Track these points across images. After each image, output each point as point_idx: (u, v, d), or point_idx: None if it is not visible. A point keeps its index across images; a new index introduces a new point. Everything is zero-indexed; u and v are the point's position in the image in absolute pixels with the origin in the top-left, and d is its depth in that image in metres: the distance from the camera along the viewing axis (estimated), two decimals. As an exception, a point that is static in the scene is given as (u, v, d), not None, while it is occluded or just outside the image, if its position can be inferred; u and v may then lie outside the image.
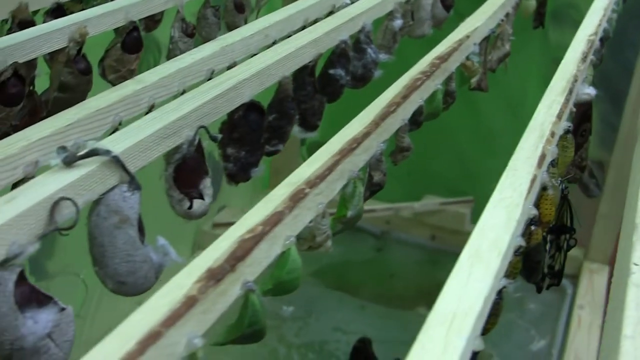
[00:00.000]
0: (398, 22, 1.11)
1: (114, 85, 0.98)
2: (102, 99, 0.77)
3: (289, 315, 1.83)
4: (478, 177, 2.00)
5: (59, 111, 0.92)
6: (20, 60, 0.89)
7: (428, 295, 1.94)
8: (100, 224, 0.65)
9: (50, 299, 0.59)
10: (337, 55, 0.97)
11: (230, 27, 1.23)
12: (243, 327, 0.57)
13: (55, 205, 0.60)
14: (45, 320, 0.58)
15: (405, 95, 0.81)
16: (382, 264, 2.06)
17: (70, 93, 0.94)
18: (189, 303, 0.48)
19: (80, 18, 0.96)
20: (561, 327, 1.78)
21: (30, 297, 0.58)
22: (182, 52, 1.12)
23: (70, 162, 0.63)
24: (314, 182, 0.63)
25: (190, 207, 0.74)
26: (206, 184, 0.76)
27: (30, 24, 1.03)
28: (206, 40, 1.17)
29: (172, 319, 0.47)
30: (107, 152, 0.64)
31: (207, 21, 1.17)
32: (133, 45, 1.02)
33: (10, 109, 0.88)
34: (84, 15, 0.97)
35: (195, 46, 1.05)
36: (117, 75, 1.02)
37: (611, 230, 1.85)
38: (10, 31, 1.02)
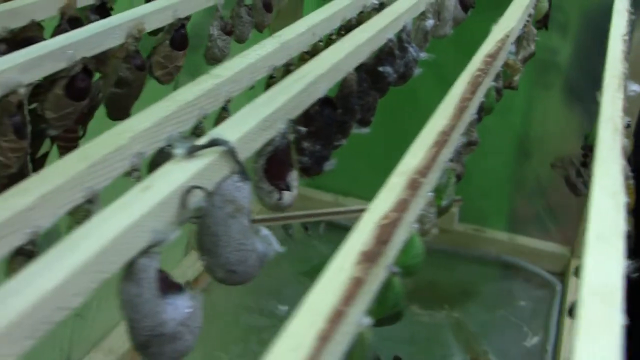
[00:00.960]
0: (430, 22, 1.14)
1: (160, 81, 0.99)
2: (188, 93, 0.78)
3: (284, 314, 1.84)
4: (467, 176, 2.04)
5: (115, 107, 0.92)
6: (80, 56, 0.89)
7: (420, 292, 1.97)
8: (215, 214, 0.66)
9: (181, 286, 0.60)
10: (385, 53, 0.99)
11: (258, 26, 1.24)
12: (387, 309, 0.58)
13: (187, 193, 0.61)
14: (183, 307, 0.59)
15: (472, 91, 0.83)
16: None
17: (126, 89, 0.95)
18: (357, 284, 0.50)
19: (134, 15, 0.97)
20: (553, 323, 1.83)
21: (166, 285, 0.59)
22: (220, 49, 1.13)
23: (192, 152, 0.64)
24: (423, 172, 0.66)
25: (280, 198, 0.76)
26: (293, 176, 0.77)
27: (79, 21, 1.03)
28: (239, 38, 1.18)
29: (348, 298, 0.48)
30: (225, 142, 0.65)
31: (240, 19, 1.18)
32: (181, 42, 1.03)
33: (78, 103, 0.88)
34: (136, 13, 0.98)
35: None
36: (164, 71, 1.03)
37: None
38: (59, 27, 1.01)
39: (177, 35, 1.03)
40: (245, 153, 0.70)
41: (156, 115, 0.73)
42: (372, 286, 0.53)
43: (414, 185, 0.64)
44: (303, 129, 0.78)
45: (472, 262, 2.05)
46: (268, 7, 1.21)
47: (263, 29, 1.23)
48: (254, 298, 1.91)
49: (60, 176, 0.62)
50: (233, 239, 0.67)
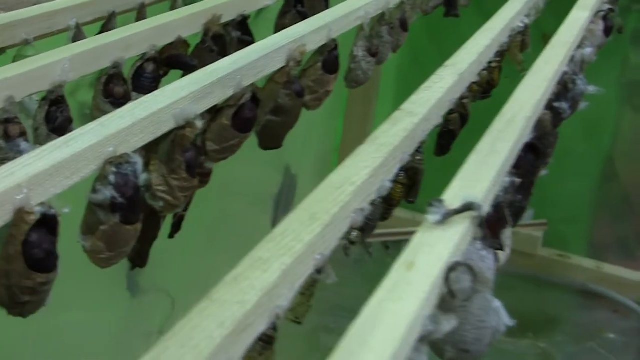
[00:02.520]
0: (588, 50, 1.03)
1: (307, 107, 0.89)
2: (391, 135, 0.67)
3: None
4: (553, 200, 1.93)
5: (269, 136, 0.82)
6: (248, 82, 0.79)
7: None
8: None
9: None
10: (561, 87, 0.88)
11: (394, 47, 1.13)
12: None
13: (452, 271, 0.50)
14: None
15: None
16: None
17: (283, 117, 0.84)
18: None
19: (293, 36, 0.86)
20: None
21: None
22: (364, 72, 1.02)
23: (447, 217, 0.53)
24: None
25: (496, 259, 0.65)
26: (507, 234, 0.66)
27: (222, 38, 0.92)
28: (379, 60, 1.07)
29: None
30: (479, 207, 0.54)
31: (381, 39, 1.07)
32: (333, 64, 0.92)
33: (243, 135, 0.77)
34: (294, 34, 0.87)
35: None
36: (313, 96, 0.92)
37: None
38: (203, 45, 0.90)
39: (330, 57, 0.92)
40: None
41: (368, 164, 0.61)
42: None
43: None
44: (518, 180, 0.66)
45: (556, 288, 1.93)
46: (404, 26, 1.10)
47: (397, 50, 1.12)
48: (333, 318, 1.80)
49: (294, 240, 0.51)
50: (473, 315, 0.56)
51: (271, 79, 0.84)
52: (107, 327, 1.43)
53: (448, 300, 0.53)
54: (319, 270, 0.54)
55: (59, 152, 0.58)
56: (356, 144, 1.75)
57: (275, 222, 1.87)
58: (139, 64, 0.84)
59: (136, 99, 0.80)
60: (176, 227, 0.90)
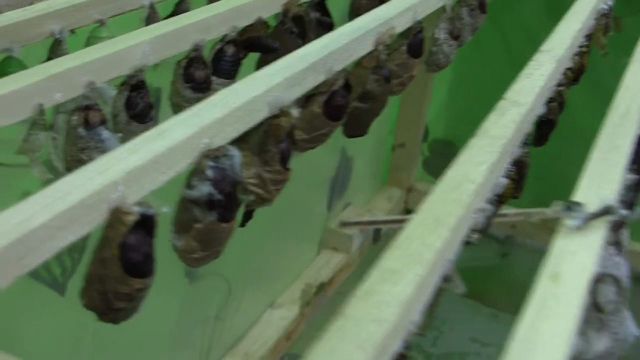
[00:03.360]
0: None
1: (392, 93, 0.82)
2: (501, 127, 0.60)
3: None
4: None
5: (355, 123, 0.76)
6: (338, 68, 0.72)
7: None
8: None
9: None
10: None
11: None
12: None
13: (600, 283, 0.44)
14: None
15: None
16: (508, 270, 1.90)
17: (371, 103, 0.77)
18: None
19: (381, 19, 0.79)
20: None
21: None
22: (445, 55, 0.95)
23: (587, 222, 0.46)
24: None
25: None
26: (625, 234, 0.59)
27: (302, 19, 0.85)
28: (459, 43, 1.00)
29: None
30: (617, 210, 0.47)
31: (461, 22, 1.00)
32: (418, 48, 0.85)
33: (334, 123, 0.70)
34: (380, 16, 0.80)
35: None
36: (398, 81, 0.85)
37: None
38: (283, 26, 0.84)
39: (415, 40, 0.85)
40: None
41: (484, 159, 0.55)
42: None
43: None
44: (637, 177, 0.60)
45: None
46: (483, 8, 1.03)
47: (475, 32, 1.04)
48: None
49: (422, 247, 0.45)
50: (610, 327, 0.50)
51: (359, 63, 0.78)
52: (165, 313, 1.38)
53: (594, 314, 0.47)
54: (446, 279, 0.47)
55: (153, 144, 0.52)
56: (411, 125, 1.67)
57: (330, 205, 1.81)
58: (218, 46, 0.78)
59: (216, 83, 0.74)
60: (247, 216, 0.84)
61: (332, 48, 0.71)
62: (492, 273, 1.92)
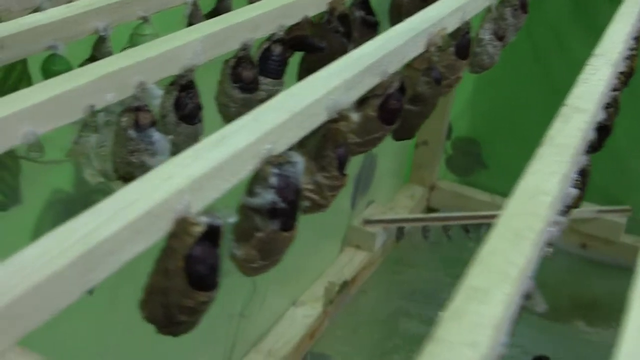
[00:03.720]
0: None
1: (440, 94, 0.79)
2: (568, 136, 0.57)
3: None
4: (635, 185, 1.82)
5: (404, 126, 0.73)
6: (392, 70, 0.69)
7: (584, 308, 1.76)
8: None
9: None
10: None
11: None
12: None
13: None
14: None
15: None
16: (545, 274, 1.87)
17: (421, 106, 0.75)
18: None
19: (432, 19, 0.76)
20: None
21: None
22: (490, 57, 0.92)
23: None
24: None
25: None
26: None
27: (347, 17, 0.83)
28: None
29: None
30: None
31: (505, 22, 0.97)
32: (465, 49, 0.82)
33: (388, 127, 0.68)
34: (431, 17, 0.77)
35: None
36: (445, 83, 0.82)
37: None
38: (329, 24, 0.81)
39: (463, 41, 0.82)
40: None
41: (555, 169, 0.52)
42: None
43: None
44: None
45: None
46: (525, 8, 1.00)
47: (516, 33, 1.01)
48: (413, 303, 1.72)
49: (506, 263, 0.42)
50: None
51: (409, 65, 0.75)
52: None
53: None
54: (527, 296, 0.45)
55: (215, 151, 0.50)
56: (434, 123, 1.64)
57: (354, 203, 1.78)
58: (265, 45, 0.75)
59: (263, 83, 0.72)
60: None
61: (387, 50, 0.68)
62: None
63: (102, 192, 1.20)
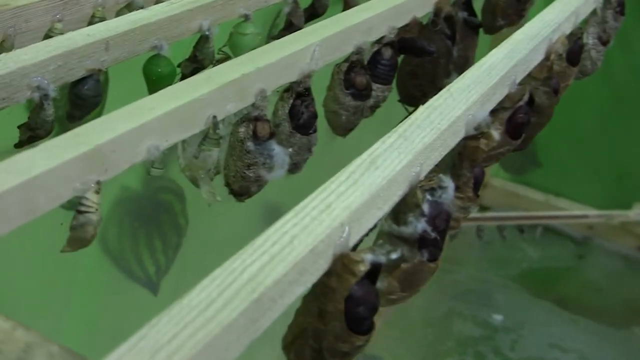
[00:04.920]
0: None
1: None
2: None
3: (499, 325, 1.59)
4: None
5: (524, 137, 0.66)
6: (518, 80, 0.63)
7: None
8: None
9: None
10: None
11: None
12: None
13: None
14: None
15: None
16: (585, 272, 1.81)
17: (538, 116, 0.68)
18: None
19: (549, 25, 0.69)
20: None
21: None
22: (593, 62, 0.85)
23: None
24: None
25: None
26: None
27: (452, 19, 0.76)
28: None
29: None
30: None
31: (607, 25, 0.90)
32: (576, 55, 0.76)
33: (514, 142, 0.61)
34: (547, 21, 0.70)
35: None
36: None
37: None
38: (435, 26, 0.75)
39: (575, 47, 0.75)
40: None
41: None
42: None
43: None
44: None
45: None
46: (622, 10, 0.93)
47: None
48: (466, 304, 1.66)
49: None
50: None
51: (528, 74, 0.68)
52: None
53: None
54: None
55: (370, 175, 0.43)
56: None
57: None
58: (375, 49, 0.69)
59: (372, 90, 0.65)
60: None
61: (515, 58, 0.62)
62: (569, 275, 1.83)
63: (169, 190, 1.14)
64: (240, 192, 0.57)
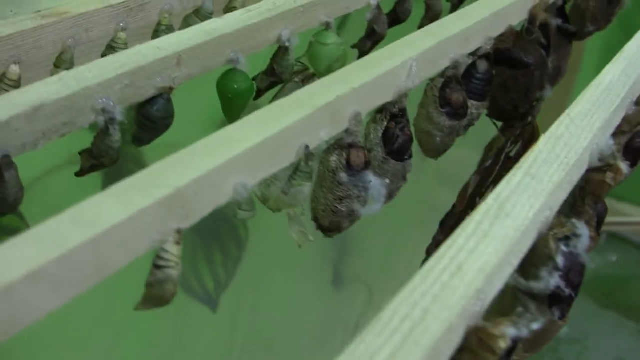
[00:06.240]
0: None
1: None
2: None
3: (564, 336, 1.50)
4: None
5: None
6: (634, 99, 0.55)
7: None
8: None
9: None
10: None
11: None
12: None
13: None
14: None
15: None
16: (651, 282, 1.72)
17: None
18: None
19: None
20: None
21: None
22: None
23: None
24: None
25: None
26: None
27: (547, 27, 0.69)
28: None
29: None
30: None
31: None
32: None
33: (633, 169, 0.54)
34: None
35: None
36: None
37: None
38: (530, 35, 0.67)
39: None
40: None
41: None
42: None
43: None
44: None
45: None
46: None
47: None
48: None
49: None
50: None
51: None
52: (311, 320, 1.25)
53: None
54: None
55: (499, 226, 0.36)
56: (556, 115, 1.47)
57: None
58: (470, 61, 0.61)
59: (469, 107, 0.58)
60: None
61: (636, 75, 0.54)
62: (634, 284, 1.74)
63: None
64: (330, 228, 0.51)
